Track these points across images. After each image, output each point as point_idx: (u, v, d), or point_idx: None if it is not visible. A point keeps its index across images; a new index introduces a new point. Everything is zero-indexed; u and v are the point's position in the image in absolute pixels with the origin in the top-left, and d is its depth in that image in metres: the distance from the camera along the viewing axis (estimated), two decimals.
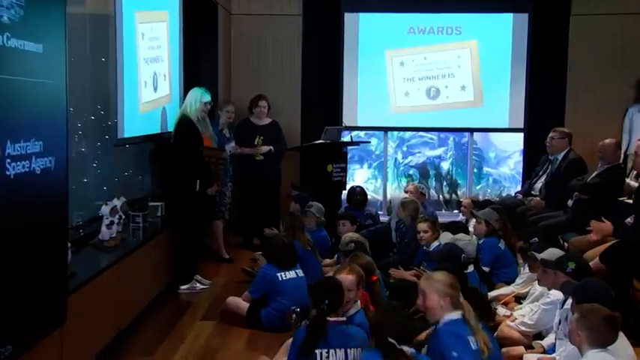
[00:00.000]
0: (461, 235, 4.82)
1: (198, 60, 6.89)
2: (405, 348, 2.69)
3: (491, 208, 5.58)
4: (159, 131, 5.63)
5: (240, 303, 4.57)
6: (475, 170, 8.38)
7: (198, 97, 5.28)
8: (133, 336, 4.27)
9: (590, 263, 4.38)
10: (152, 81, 5.49)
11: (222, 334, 4.36)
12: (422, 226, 5.22)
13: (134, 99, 5.12)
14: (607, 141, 5.62)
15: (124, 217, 4.52)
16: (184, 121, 5.22)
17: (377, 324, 2.85)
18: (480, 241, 5.25)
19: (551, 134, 6.32)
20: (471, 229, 5.81)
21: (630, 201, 5.14)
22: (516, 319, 4.10)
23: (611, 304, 3.02)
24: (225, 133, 6.36)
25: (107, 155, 4.81)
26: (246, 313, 4.48)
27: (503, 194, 7.92)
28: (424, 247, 5.17)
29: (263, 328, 4.33)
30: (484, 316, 3.37)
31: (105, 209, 4.30)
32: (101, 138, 4.76)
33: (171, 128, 5.46)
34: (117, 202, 4.41)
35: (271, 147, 6.68)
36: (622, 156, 6.58)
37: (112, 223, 4.33)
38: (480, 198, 7.45)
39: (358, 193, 6.78)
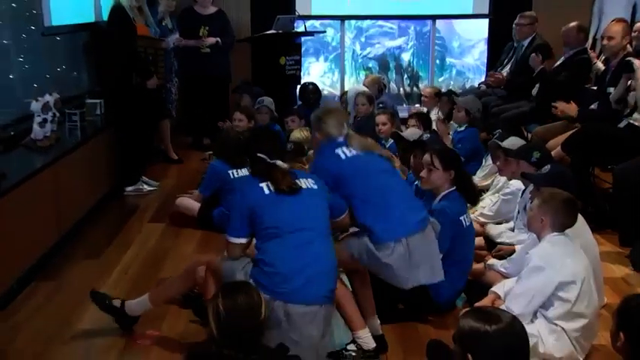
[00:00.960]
0: (410, 131, 4.76)
1: None
2: (280, 163, 2.77)
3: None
4: (93, 20, 5.35)
5: (190, 203, 4.54)
6: (438, 61, 8.33)
7: None
8: (77, 240, 4.24)
9: (552, 152, 4.47)
10: None
11: (172, 236, 4.37)
12: (381, 118, 5.18)
13: None
14: (569, 25, 5.59)
15: (58, 114, 4.38)
16: (116, 9, 5.04)
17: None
18: (460, 129, 5.27)
19: (518, 20, 6.24)
20: (433, 118, 5.85)
21: (595, 88, 5.19)
22: (476, 210, 4.18)
23: (573, 191, 3.08)
24: (167, 23, 6.10)
25: (35, 48, 4.57)
26: (197, 213, 4.45)
27: (467, 86, 7.91)
28: (382, 142, 5.16)
29: (215, 229, 4.29)
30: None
31: (35, 106, 4.13)
32: (26, 28, 4.49)
33: (105, 16, 5.24)
34: (49, 98, 4.24)
35: (218, 39, 6.47)
36: (590, 40, 6.59)
37: (44, 121, 4.18)
38: (443, 90, 7.41)
39: (311, 91, 6.70)
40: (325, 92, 7.03)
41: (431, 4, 7.75)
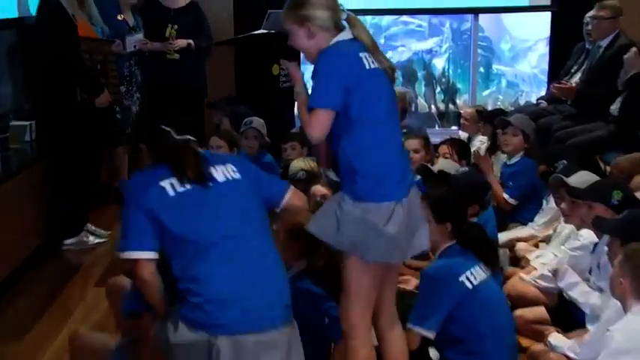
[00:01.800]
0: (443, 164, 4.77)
1: None
2: (192, 140, 2.76)
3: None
4: (16, 15, 5.39)
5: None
6: (481, 69, 8.39)
7: None
8: None
9: (638, 194, 4.42)
10: None
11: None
12: (411, 143, 5.15)
13: None
14: None
15: None
16: (46, 1, 5.07)
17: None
18: (511, 161, 5.26)
19: (593, 12, 6.22)
20: (474, 148, 5.83)
21: None
22: (535, 269, 4.13)
23: None
24: (128, 19, 6.16)
25: None
26: None
27: (522, 102, 7.91)
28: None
29: None
30: (493, 266, 3.49)
31: None
32: None
33: (34, 11, 5.29)
34: None
35: (190, 41, 6.49)
36: None
37: None
38: (489, 107, 7.42)
39: None
40: None
41: None
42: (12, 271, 4.62)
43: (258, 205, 2.75)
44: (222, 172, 2.71)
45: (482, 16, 8.14)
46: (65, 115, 5.08)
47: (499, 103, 8.26)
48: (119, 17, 6.09)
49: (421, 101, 8.34)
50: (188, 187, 2.61)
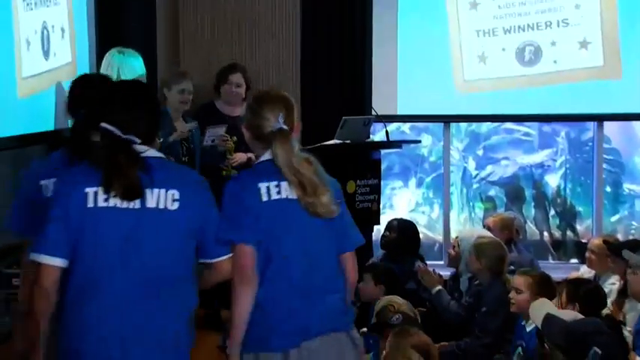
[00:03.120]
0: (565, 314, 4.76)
1: (122, 4, 6.93)
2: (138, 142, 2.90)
3: None
4: (54, 127, 5.64)
5: None
6: (608, 189, 8.37)
7: (115, 64, 5.32)
8: None
9: None
10: (40, 39, 5.48)
11: None
12: (518, 281, 5.24)
13: (8, 71, 5.11)
14: None
15: None
16: None
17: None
18: None
19: None
20: (606, 290, 5.82)
21: None
22: None
23: None
24: (181, 128, 6.38)
25: None
26: None
27: None
28: (523, 323, 5.19)
29: None
30: None
31: None
32: None
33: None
34: None
35: (251, 155, 6.60)
36: None
37: None
38: (620, 237, 7.39)
39: (399, 231, 6.78)
40: (420, 237, 7.09)
41: (595, 97, 7.89)
42: None
43: (182, 247, 3.00)
44: (157, 197, 2.91)
45: (608, 125, 8.21)
46: None
47: (632, 231, 8.20)
48: (170, 139, 6.31)
49: (531, 227, 8.34)
50: (110, 202, 2.84)
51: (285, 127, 3.37)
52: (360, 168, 6.83)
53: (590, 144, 8.31)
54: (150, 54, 6.67)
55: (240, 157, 6.68)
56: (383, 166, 7.30)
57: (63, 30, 5.86)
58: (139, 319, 2.86)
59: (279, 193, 3.29)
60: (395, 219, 7.02)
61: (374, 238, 7.11)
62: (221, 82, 6.95)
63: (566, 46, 7.92)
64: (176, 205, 2.92)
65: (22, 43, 5.30)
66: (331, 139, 6.74)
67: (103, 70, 5.46)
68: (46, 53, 5.62)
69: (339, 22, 7.77)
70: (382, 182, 7.13)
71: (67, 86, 5.63)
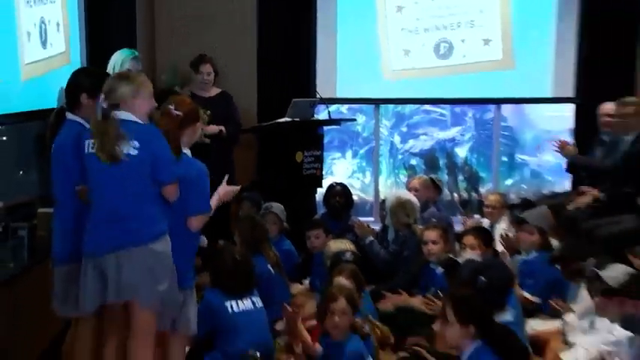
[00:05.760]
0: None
1: (108, 3, 6.76)
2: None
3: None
4: (55, 105, 5.51)
5: None
6: (504, 158, 8.46)
7: (119, 61, 5.28)
8: None
9: None
10: (38, 31, 5.41)
11: None
12: (430, 234, 5.28)
13: (13, 58, 5.04)
14: None
15: (0, 228, 4.48)
16: None
17: None
18: (528, 257, 5.33)
19: (615, 109, 6.29)
20: (497, 237, 5.90)
21: None
22: None
23: None
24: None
25: None
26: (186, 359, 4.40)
27: (546, 192, 7.93)
28: (432, 266, 5.26)
29: None
30: None
31: None
32: None
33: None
34: None
35: (222, 127, 6.58)
36: None
37: None
38: (513, 197, 7.45)
39: (338, 193, 6.75)
40: (355, 198, 7.07)
41: (495, 84, 7.93)
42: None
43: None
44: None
45: (505, 107, 8.29)
46: None
47: (522, 192, 8.27)
48: None
49: (443, 190, 8.39)
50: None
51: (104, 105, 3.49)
52: (306, 141, 6.84)
53: (491, 122, 8.38)
54: (131, 45, 6.50)
55: (213, 128, 6.54)
56: (325, 140, 7.29)
57: (58, 24, 5.78)
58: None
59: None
60: (337, 184, 6.97)
61: (317, 199, 7.05)
62: (193, 73, 6.82)
63: (473, 43, 7.94)
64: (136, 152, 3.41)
65: (24, 35, 5.25)
66: (283, 118, 6.71)
67: (111, 63, 5.40)
68: (43, 43, 5.55)
69: (290, 21, 7.68)
70: (324, 153, 7.13)
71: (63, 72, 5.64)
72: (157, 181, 3.50)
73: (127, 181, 3.44)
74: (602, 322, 4.21)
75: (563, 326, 4.72)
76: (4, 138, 5.18)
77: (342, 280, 4.44)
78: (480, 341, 3.35)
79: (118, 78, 3.62)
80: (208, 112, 6.49)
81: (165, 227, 3.52)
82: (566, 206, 6.22)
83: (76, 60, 5.99)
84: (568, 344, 4.52)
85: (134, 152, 3.41)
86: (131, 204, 3.46)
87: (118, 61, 5.33)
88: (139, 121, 3.51)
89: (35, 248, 4.78)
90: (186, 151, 3.85)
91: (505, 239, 5.73)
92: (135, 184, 3.46)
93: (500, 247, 5.78)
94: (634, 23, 7.63)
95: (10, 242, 4.74)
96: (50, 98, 5.43)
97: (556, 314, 4.88)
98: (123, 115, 3.46)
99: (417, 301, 5.01)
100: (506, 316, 4.17)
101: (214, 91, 6.86)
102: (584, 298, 4.63)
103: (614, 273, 4.01)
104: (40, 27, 5.44)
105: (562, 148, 6.40)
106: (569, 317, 4.72)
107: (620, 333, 3.93)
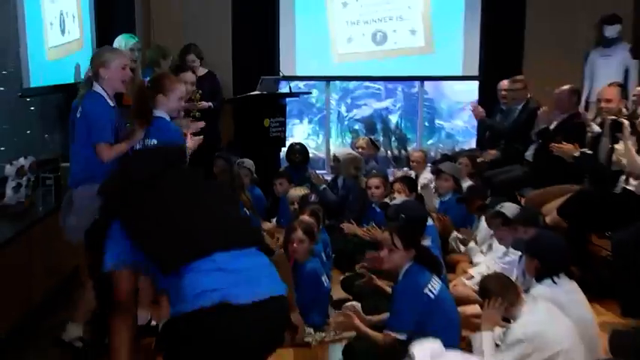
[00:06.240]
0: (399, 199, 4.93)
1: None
2: None
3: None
4: (73, 81, 5.46)
5: None
6: (426, 124, 8.52)
7: (122, 43, 5.16)
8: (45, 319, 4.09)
9: (547, 218, 4.61)
10: (59, 22, 5.33)
11: None
12: (373, 181, 5.39)
13: (40, 43, 4.97)
14: (562, 88, 5.74)
15: (33, 178, 4.42)
16: None
17: None
18: (445, 199, 5.49)
19: (509, 85, 6.48)
20: (424, 181, 6.09)
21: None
22: (473, 277, 4.27)
23: (566, 256, 3.22)
24: None
25: (5, 108, 4.63)
26: None
27: (457, 149, 8.10)
28: (373, 205, 5.33)
29: None
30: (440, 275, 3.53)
31: (10, 169, 4.17)
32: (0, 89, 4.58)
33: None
34: (24, 162, 4.29)
35: (210, 103, 6.47)
36: (583, 104, 6.85)
37: (19, 185, 4.22)
38: (432, 154, 7.58)
39: (297, 151, 6.80)
40: (310, 155, 7.15)
41: (419, 65, 7.96)
42: (63, 280, 4.53)
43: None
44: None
45: (427, 83, 8.35)
46: None
47: (439, 150, 8.43)
48: None
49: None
50: None
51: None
52: (272, 110, 6.84)
53: (416, 95, 8.41)
54: (131, 31, 6.40)
55: (203, 105, 6.38)
56: (287, 109, 7.27)
57: (74, 16, 5.70)
58: None
59: None
60: (297, 143, 7.02)
61: (281, 156, 7.11)
62: (182, 61, 6.65)
63: (402, 33, 7.93)
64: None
65: (48, 25, 5.18)
66: (253, 92, 6.70)
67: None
68: (62, 32, 5.47)
69: (258, 13, 7.62)
70: (287, 120, 7.14)
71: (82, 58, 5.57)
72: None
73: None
74: (497, 246, 4.42)
75: (468, 250, 4.93)
76: (33, 108, 5.11)
77: (305, 217, 4.46)
78: (412, 260, 3.39)
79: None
80: (200, 91, 6.51)
81: None
82: (477, 158, 6.44)
83: (88, 44, 5.88)
84: (472, 263, 4.75)
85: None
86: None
87: (122, 43, 5.27)
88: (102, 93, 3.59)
89: (60, 194, 4.74)
90: (164, 115, 3.74)
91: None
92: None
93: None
94: (522, 20, 7.74)
95: (40, 189, 4.73)
96: (68, 75, 5.44)
97: (463, 241, 5.09)
98: (96, 88, 3.59)
99: (360, 231, 5.09)
100: (427, 242, 4.32)
101: (202, 72, 6.69)
102: (483, 228, 4.85)
103: (509, 209, 4.19)
104: (60, 18, 5.37)
105: (475, 109, 6.60)
106: (471, 244, 4.94)
107: (515, 254, 4.04)
